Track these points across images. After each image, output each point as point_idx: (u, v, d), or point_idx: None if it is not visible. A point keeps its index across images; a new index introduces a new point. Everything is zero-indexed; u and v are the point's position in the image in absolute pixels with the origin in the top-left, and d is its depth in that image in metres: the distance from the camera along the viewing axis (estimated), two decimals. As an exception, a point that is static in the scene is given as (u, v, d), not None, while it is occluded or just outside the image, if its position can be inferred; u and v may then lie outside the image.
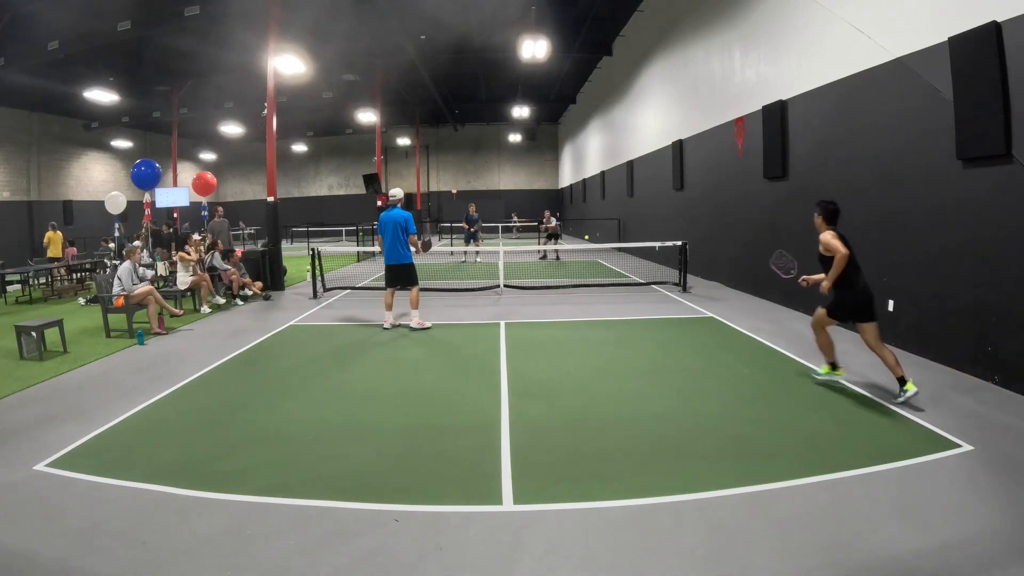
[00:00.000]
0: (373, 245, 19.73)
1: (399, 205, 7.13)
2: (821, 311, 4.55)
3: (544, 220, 16.29)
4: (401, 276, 7.14)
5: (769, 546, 2.52)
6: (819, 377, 4.75)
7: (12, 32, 13.14)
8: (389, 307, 7.31)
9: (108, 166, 24.96)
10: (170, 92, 20.71)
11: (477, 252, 15.81)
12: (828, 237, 4.34)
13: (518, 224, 25.37)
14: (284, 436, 3.88)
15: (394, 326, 7.25)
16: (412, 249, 7.11)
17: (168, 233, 14.86)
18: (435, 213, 32.65)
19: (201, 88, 20.35)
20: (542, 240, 16.34)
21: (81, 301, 10.31)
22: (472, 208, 16.33)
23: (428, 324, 7.19)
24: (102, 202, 13.83)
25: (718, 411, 4.19)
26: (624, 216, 16.87)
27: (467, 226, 16.08)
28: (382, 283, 11.73)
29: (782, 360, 5.48)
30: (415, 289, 7.23)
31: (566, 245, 18.17)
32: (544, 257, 15.93)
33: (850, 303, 4.38)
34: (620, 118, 18.23)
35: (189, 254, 9.16)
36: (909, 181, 5.53)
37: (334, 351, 6.28)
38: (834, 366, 4.68)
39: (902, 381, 4.13)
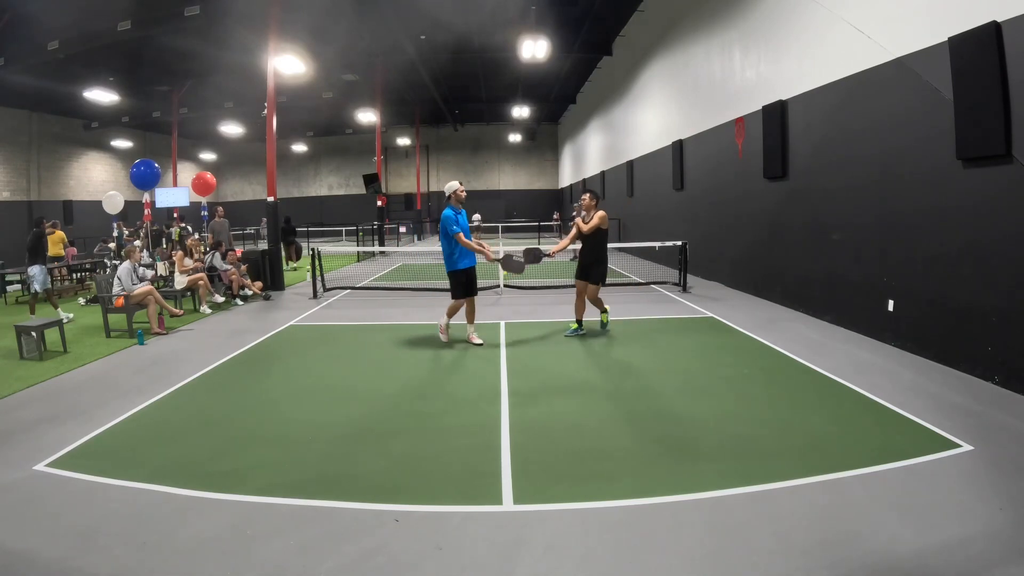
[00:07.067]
0: (373, 245, 19.73)
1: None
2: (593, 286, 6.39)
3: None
4: (474, 280, 6.28)
5: (769, 546, 2.52)
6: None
7: (12, 32, 13.14)
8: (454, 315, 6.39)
9: (108, 166, 24.97)
10: (170, 92, 20.71)
11: None
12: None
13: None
14: (284, 436, 3.88)
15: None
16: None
17: (165, 232, 14.89)
18: (435, 213, 32.67)
19: (201, 88, 20.35)
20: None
21: (81, 301, 10.32)
22: None
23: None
24: (101, 202, 13.83)
25: (718, 411, 4.18)
26: (624, 216, 16.85)
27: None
28: (383, 283, 11.75)
29: (782, 360, 5.48)
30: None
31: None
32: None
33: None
34: (620, 118, 18.22)
35: (183, 255, 9.13)
36: (909, 181, 5.53)
37: (334, 351, 6.28)
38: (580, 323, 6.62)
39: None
